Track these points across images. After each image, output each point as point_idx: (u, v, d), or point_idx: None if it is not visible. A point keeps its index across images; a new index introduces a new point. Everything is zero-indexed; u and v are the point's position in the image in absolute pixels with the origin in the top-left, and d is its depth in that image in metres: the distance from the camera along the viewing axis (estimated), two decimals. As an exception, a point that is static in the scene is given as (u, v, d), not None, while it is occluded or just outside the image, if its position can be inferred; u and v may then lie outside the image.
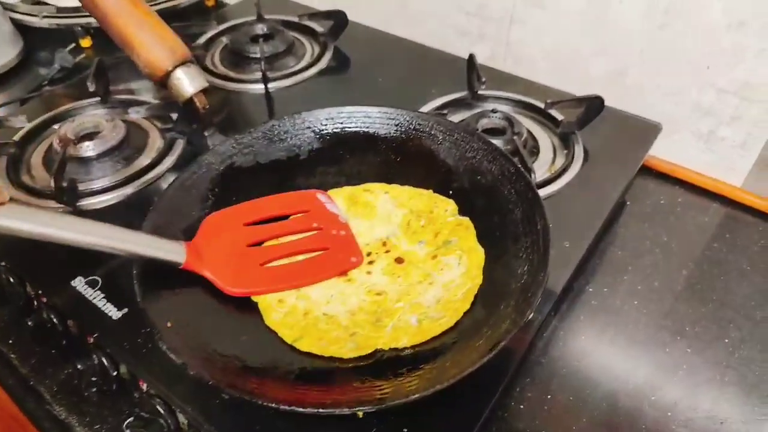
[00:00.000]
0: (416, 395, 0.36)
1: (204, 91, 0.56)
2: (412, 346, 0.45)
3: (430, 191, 0.56)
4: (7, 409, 0.62)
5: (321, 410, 0.36)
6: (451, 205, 0.55)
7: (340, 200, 0.57)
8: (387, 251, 0.53)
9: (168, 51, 0.53)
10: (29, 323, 0.54)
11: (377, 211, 0.56)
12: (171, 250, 0.45)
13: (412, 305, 0.48)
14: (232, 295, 0.47)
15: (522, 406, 0.49)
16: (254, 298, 0.49)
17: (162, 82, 0.55)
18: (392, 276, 0.51)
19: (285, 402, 0.36)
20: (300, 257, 0.52)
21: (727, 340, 0.54)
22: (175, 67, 0.54)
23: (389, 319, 0.47)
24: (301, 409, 0.35)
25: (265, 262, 0.49)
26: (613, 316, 0.56)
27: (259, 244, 0.52)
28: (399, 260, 0.52)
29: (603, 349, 0.54)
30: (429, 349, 0.44)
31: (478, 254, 0.51)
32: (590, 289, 0.59)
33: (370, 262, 0.52)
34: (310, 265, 0.50)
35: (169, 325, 0.42)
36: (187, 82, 0.55)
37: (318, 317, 0.48)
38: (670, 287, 0.59)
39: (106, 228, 0.44)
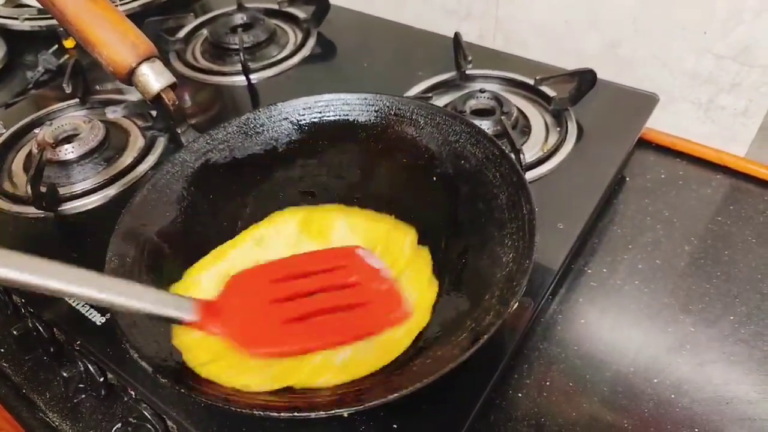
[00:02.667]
0: (396, 394, 0.35)
1: (172, 87, 0.55)
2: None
3: (393, 217, 0.53)
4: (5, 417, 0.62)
5: (297, 414, 0.34)
6: (408, 236, 0.51)
7: (293, 222, 0.54)
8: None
9: (130, 47, 0.52)
10: (15, 332, 0.53)
11: (331, 239, 0.53)
12: (180, 307, 0.40)
13: None
14: (252, 355, 0.41)
15: (520, 394, 0.48)
16: None
17: (127, 80, 0.54)
18: None
19: (259, 407, 0.35)
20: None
21: (732, 317, 0.52)
22: (139, 63, 0.52)
23: (314, 354, 0.43)
24: (275, 414, 0.34)
25: (292, 320, 0.43)
26: (614, 296, 0.54)
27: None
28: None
29: (603, 332, 0.52)
30: (410, 346, 0.43)
31: (429, 293, 0.46)
32: (589, 270, 0.57)
33: None
34: (347, 321, 0.44)
35: (154, 342, 0.40)
36: (153, 78, 0.53)
37: None
38: (673, 264, 0.57)
39: (104, 279, 0.38)
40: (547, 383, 0.48)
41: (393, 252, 0.51)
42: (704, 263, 0.57)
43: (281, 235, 0.54)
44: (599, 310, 0.53)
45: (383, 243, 0.52)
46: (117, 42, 0.51)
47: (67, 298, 0.37)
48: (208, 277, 0.49)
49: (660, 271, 0.56)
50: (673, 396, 0.47)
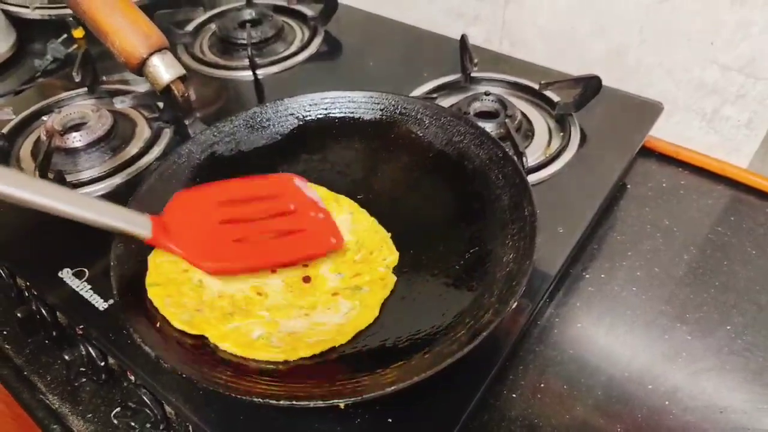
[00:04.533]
0: (393, 387, 0.35)
1: (182, 79, 0.55)
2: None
3: (389, 235, 0.52)
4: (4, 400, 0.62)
5: (295, 402, 0.35)
6: (392, 257, 0.51)
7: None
8: (305, 265, 0.50)
9: (142, 38, 0.52)
10: (18, 315, 0.53)
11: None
12: (136, 223, 0.43)
13: (270, 322, 0.45)
14: (204, 270, 0.44)
15: (515, 395, 0.48)
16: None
17: (138, 71, 0.54)
18: (287, 288, 0.48)
19: (259, 395, 0.35)
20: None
21: (729, 327, 0.53)
22: (150, 54, 0.53)
23: (239, 320, 0.45)
24: (274, 402, 0.35)
25: (238, 239, 0.47)
26: (611, 302, 0.55)
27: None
28: (306, 279, 0.49)
29: (600, 337, 0.52)
30: (408, 340, 0.43)
31: (366, 318, 0.47)
32: (587, 276, 0.57)
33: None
34: (287, 244, 0.48)
35: (158, 324, 0.41)
36: (163, 70, 0.54)
37: (190, 279, 0.47)
38: (671, 273, 0.57)
39: (70, 194, 0.41)
40: (542, 385, 0.49)
41: (370, 264, 0.51)
42: (703, 273, 0.57)
43: None
44: (596, 315, 0.54)
45: (367, 252, 0.52)
46: (129, 32, 0.52)
47: (21, 204, 0.39)
48: None
49: (658, 279, 0.56)
50: (667, 403, 0.47)
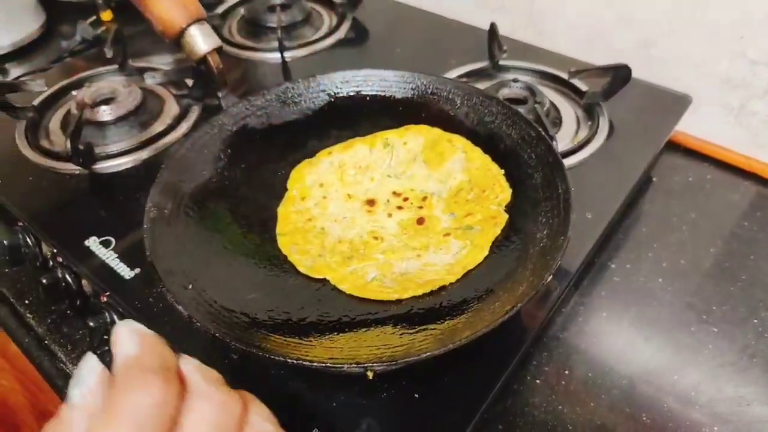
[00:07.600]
0: (428, 353, 0.35)
1: (218, 51, 0.56)
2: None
3: (502, 171, 0.53)
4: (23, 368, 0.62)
5: (329, 365, 0.35)
6: (504, 194, 0.51)
7: (420, 139, 0.56)
8: (420, 207, 0.52)
9: (181, 8, 0.53)
10: (43, 281, 0.54)
11: (443, 167, 0.55)
12: None
13: (384, 264, 0.48)
14: None
15: (538, 381, 0.48)
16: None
17: (175, 41, 0.55)
18: (402, 230, 0.50)
19: (292, 356, 0.35)
20: None
21: (756, 321, 0.52)
22: (189, 24, 0.53)
23: (357, 263, 0.47)
24: (307, 363, 0.34)
25: None
26: (636, 293, 0.54)
27: None
28: (420, 221, 0.51)
29: (624, 327, 0.52)
30: (442, 310, 0.43)
31: (475, 257, 0.47)
32: (613, 266, 0.57)
33: (400, 207, 0.53)
34: None
35: (190, 287, 0.41)
36: (201, 40, 0.54)
37: (314, 227, 0.50)
38: (697, 265, 0.56)
39: None
40: (566, 372, 0.48)
41: (481, 203, 0.52)
42: (729, 267, 0.56)
43: (406, 147, 0.56)
44: (621, 305, 0.53)
45: (479, 190, 0.52)
46: (169, 2, 0.52)
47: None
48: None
49: (684, 271, 0.56)
50: (693, 394, 0.47)
